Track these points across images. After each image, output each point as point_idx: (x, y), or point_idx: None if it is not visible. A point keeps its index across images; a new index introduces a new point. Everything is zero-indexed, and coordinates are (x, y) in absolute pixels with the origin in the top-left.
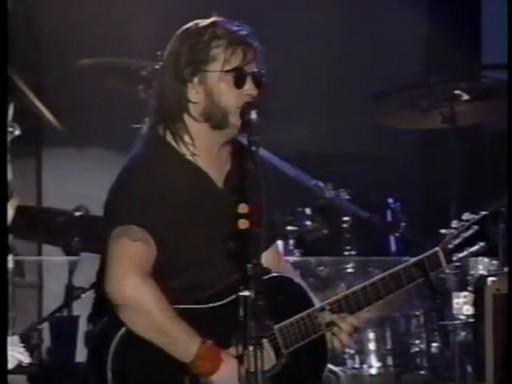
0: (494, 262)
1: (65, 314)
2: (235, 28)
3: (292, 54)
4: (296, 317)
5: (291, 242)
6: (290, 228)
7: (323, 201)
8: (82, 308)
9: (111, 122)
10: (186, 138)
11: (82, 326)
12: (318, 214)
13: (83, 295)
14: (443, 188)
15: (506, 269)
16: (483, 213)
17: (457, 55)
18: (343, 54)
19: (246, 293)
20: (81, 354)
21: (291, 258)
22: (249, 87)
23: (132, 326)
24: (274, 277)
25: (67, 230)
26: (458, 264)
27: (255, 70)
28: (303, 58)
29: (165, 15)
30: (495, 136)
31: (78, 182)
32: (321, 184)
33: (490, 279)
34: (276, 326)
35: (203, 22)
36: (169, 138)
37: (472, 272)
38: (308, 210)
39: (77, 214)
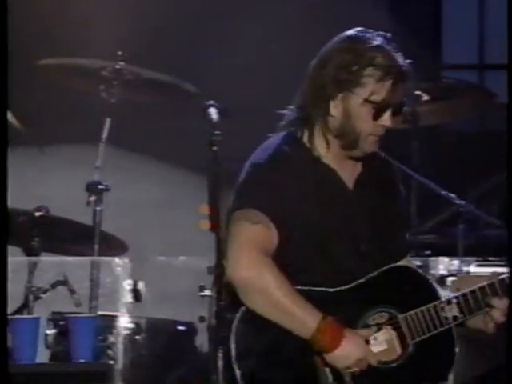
0: (455, 261)
1: (25, 314)
2: (394, 61)
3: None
4: (421, 308)
5: None
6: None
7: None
8: (42, 309)
9: (72, 122)
10: (321, 143)
11: (43, 327)
12: None
13: (43, 295)
14: (405, 188)
15: (466, 268)
16: None
17: (417, 55)
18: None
19: (207, 292)
20: (42, 356)
21: None
22: (386, 118)
23: (251, 304)
24: (397, 267)
25: (28, 230)
26: (418, 264)
27: (398, 101)
28: (277, 57)
29: (126, 16)
30: (457, 136)
31: (39, 182)
32: (452, 195)
33: (450, 279)
34: (400, 316)
35: (369, 41)
36: (305, 139)
37: (432, 272)
38: None
39: (37, 214)
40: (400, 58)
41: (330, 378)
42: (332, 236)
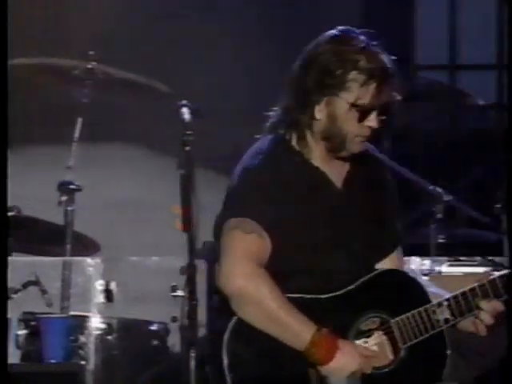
0: (426, 261)
1: None
2: (378, 62)
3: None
4: (413, 311)
5: None
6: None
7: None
8: (14, 309)
9: (44, 122)
10: (309, 146)
11: (14, 328)
12: None
13: (14, 296)
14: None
15: (438, 268)
16: None
17: (389, 56)
18: (276, 54)
19: (179, 292)
20: (13, 356)
21: None
22: (372, 119)
23: (245, 315)
24: (388, 271)
25: None
26: None
27: (384, 102)
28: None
29: (98, 15)
30: (430, 136)
31: (10, 182)
32: (439, 189)
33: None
34: (392, 320)
35: (353, 42)
36: (294, 142)
37: None
38: None
39: (9, 214)
40: (384, 58)
41: None
42: (323, 238)
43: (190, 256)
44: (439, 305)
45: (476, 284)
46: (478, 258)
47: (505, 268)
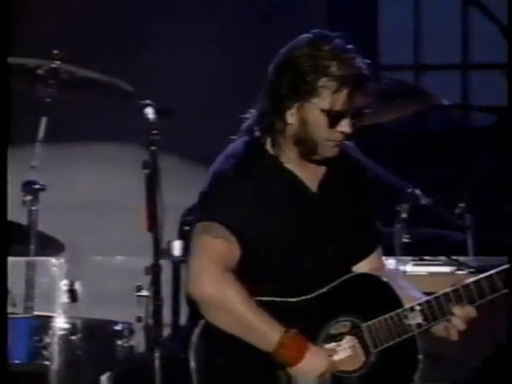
0: (391, 261)
1: None
2: (350, 68)
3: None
4: (384, 316)
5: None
6: (188, 228)
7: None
8: None
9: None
10: (283, 149)
11: None
12: None
13: None
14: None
15: (403, 268)
16: None
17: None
18: (240, 58)
19: (144, 292)
20: None
21: None
22: (344, 124)
23: (213, 320)
24: (360, 275)
25: None
26: None
27: (355, 107)
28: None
29: (62, 14)
30: (395, 136)
31: None
32: (417, 191)
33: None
34: (364, 324)
35: (325, 47)
36: (268, 146)
37: None
38: None
39: None
40: (358, 63)
41: None
42: (296, 242)
43: (155, 256)
44: (412, 309)
45: (450, 289)
46: (443, 258)
47: (469, 267)
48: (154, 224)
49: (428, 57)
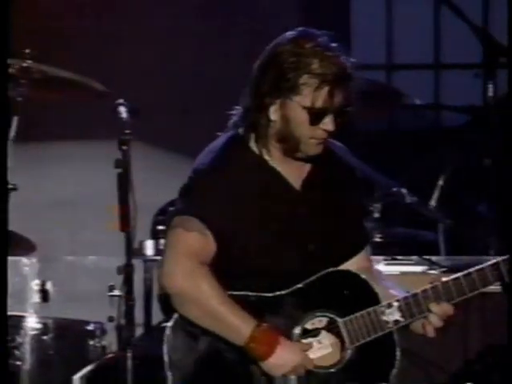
0: None
1: None
2: (332, 66)
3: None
4: (362, 312)
5: (162, 241)
6: (161, 227)
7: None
8: None
9: None
10: (266, 146)
11: None
12: None
13: None
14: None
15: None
16: None
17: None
18: (218, 57)
19: (116, 292)
20: None
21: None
22: (326, 122)
23: (186, 313)
24: (338, 271)
25: None
26: None
27: (338, 106)
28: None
29: (34, 12)
30: (367, 136)
31: None
32: (403, 190)
33: None
34: (340, 320)
35: (308, 45)
36: (251, 143)
37: None
38: None
39: None
40: (340, 61)
41: None
42: (276, 239)
43: (128, 255)
44: (389, 305)
45: (428, 286)
46: (415, 257)
47: (441, 267)
48: (126, 224)
49: (400, 56)
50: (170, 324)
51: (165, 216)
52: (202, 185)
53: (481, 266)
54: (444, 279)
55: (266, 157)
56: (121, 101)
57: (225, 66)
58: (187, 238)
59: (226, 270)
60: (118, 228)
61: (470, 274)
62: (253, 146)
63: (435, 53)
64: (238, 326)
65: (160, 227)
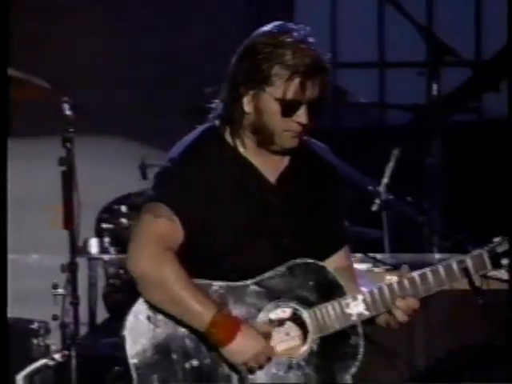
0: None
1: None
2: (304, 58)
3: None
4: (326, 304)
5: (107, 239)
6: (105, 225)
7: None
8: None
9: None
10: (241, 138)
11: None
12: (133, 212)
13: None
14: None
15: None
16: None
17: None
18: (164, 49)
19: (60, 291)
20: None
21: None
22: (299, 115)
23: (148, 297)
24: (304, 263)
25: None
26: None
27: (312, 97)
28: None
29: None
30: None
31: None
32: (379, 188)
33: None
34: (304, 311)
35: (282, 37)
36: (227, 135)
37: None
38: (124, 208)
39: None
40: (314, 54)
41: (228, 373)
42: (248, 231)
43: (72, 254)
44: (354, 298)
45: (394, 280)
46: (359, 255)
47: (386, 265)
48: (70, 221)
49: (345, 55)
50: (133, 309)
51: (109, 214)
52: (174, 173)
53: (448, 262)
54: (410, 274)
55: (241, 149)
56: (65, 98)
57: (166, 63)
58: (155, 224)
59: (192, 258)
60: (62, 226)
61: (437, 269)
62: (228, 138)
63: (380, 51)
64: (199, 311)
65: (104, 225)
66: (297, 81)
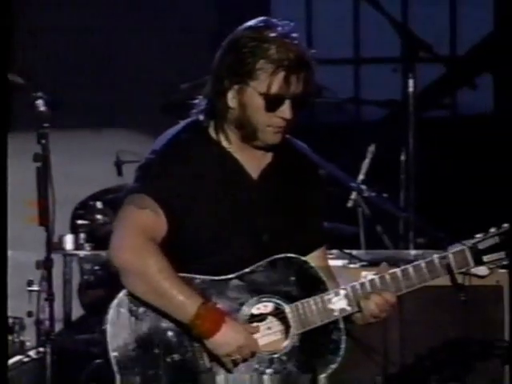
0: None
1: None
2: (289, 52)
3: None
4: (308, 299)
5: (82, 235)
6: (80, 222)
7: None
8: None
9: None
10: (225, 133)
11: None
12: (109, 208)
13: None
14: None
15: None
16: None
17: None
18: (137, 45)
19: (35, 287)
20: None
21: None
22: (283, 110)
23: (131, 287)
24: (287, 258)
25: None
26: None
27: (296, 92)
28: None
29: None
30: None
31: None
32: (363, 186)
33: None
34: (286, 306)
35: (266, 32)
36: (211, 130)
37: None
38: (99, 204)
39: None
40: (298, 49)
41: (209, 365)
42: (230, 226)
43: (48, 250)
44: (336, 294)
45: (376, 276)
46: (335, 251)
47: (361, 261)
48: (45, 218)
49: (320, 51)
50: (114, 302)
51: (84, 210)
52: (158, 165)
53: (430, 258)
54: (392, 270)
55: (225, 144)
56: (39, 94)
57: (141, 59)
58: (138, 215)
59: (174, 252)
60: (37, 222)
61: (419, 265)
62: (212, 132)
63: (355, 47)
64: (183, 302)
65: (80, 221)
66: (281, 75)
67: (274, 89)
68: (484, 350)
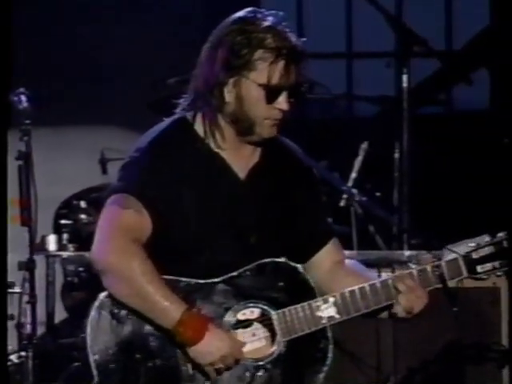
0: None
1: None
2: (286, 41)
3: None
4: (296, 306)
5: (65, 236)
6: (63, 222)
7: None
8: None
9: None
10: (214, 131)
11: None
12: (93, 207)
13: None
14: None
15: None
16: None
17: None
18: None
19: (16, 289)
20: None
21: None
22: (281, 101)
23: (113, 290)
24: (275, 262)
25: None
26: None
27: (293, 84)
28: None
29: None
30: None
31: None
32: (354, 190)
33: None
34: (273, 312)
35: (259, 22)
36: (197, 127)
37: None
38: (83, 203)
39: None
40: (292, 38)
41: (192, 372)
42: (215, 226)
43: (30, 251)
44: (325, 301)
45: (366, 284)
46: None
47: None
48: (28, 218)
49: (312, 45)
50: (95, 304)
51: (68, 210)
52: (142, 163)
53: (423, 266)
54: (383, 278)
55: (212, 142)
56: (21, 89)
57: (128, 55)
58: (122, 215)
59: (159, 254)
60: (19, 222)
61: (411, 273)
62: (198, 129)
63: (347, 41)
64: (166, 307)
65: (63, 221)
66: (281, 64)
67: (275, 79)
68: (481, 354)
